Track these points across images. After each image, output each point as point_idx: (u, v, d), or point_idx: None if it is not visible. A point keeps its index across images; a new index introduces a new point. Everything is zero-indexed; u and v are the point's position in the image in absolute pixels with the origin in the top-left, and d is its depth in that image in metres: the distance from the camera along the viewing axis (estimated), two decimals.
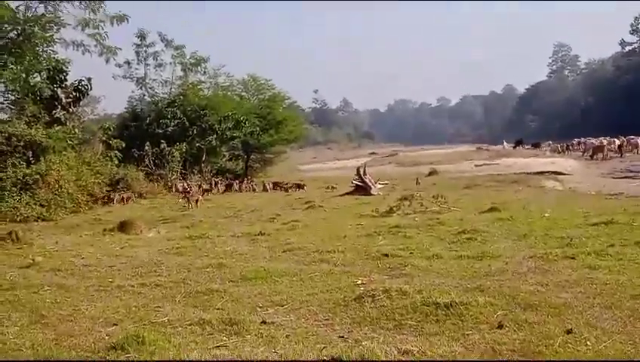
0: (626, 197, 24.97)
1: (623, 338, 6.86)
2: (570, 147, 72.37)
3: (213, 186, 40.48)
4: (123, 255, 14.08)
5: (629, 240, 12.52)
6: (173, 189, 37.64)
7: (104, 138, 38.43)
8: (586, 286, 8.95)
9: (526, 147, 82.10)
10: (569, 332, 7.02)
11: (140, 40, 50.19)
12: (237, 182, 42.75)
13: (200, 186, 38.54)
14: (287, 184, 40.23)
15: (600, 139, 71.53)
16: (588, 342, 6.73)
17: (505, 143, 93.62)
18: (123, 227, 18.88)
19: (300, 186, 39.29)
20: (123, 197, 32.20)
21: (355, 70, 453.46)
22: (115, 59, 34.32)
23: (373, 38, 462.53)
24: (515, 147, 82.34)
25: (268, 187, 40.04)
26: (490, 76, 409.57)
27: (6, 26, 27.03)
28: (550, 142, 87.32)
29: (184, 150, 44.97)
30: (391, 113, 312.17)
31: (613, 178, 38.31)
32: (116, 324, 8.21)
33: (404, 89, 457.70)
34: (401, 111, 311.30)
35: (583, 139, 75.71)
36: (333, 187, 37.66)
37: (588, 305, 8.03)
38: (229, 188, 39.97)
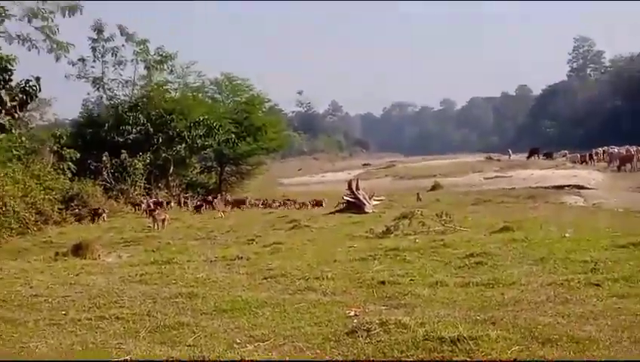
0: None
1: None
2: (595, 157, 72.32)
3: (182, 204, 40.36)
4: (78, 283, 14.03)
5: None
6: (142, 206, 37.31)
7: (55, 147, 38.40)
8: (613, 318, 8.95)
9: (539, 157, 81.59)
10: None
11: (97, 34, 50.16)
12: (211, 198, 42.17)
13: (168, 203, 38.51)
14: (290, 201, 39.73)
15: (627, 147, 71.71)
16: None
17: (510, 153, 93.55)
18: (78, 251, 18.81)
19: (318, 203, 38.82)
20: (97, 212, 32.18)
21: (346, 68, 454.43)
22: (66, 56, 34.31)
23: (366, 30, 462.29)
24: (529, 157, 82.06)
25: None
26: (503, 76, 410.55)
27: None
28: (566, 152, 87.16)
29: (148, 161, 44.92)
30: (387, 118, 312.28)
31: None
32: None
33: (402, 90, 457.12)
34: (398, 115, 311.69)
35: (608, 148, 75.77)
36: (319, 203, 37.55)
37: (615, 340, 8.02)
38: (198, 209, 38.38)
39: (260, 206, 39.90)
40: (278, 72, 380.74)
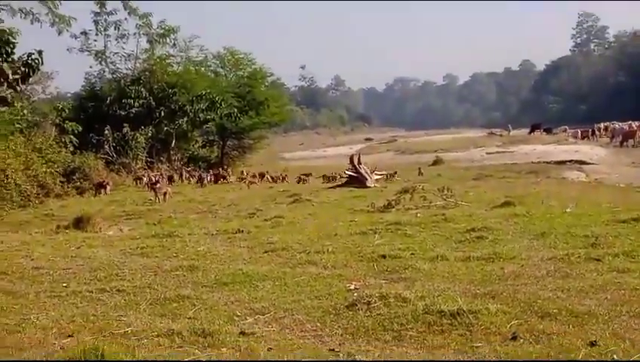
0: None
1: None
2: (597, 133, 72.26)
3: (184, 177, 40.22)
4: (79, 256, 14.03)
5: None
6: (143, 180, 37.22)
7: (57, 121, 38.24)
8: (612, 293, 8.99)
9: (539, 132, 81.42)
10: (593, 344, 7.04)
11: (99, 7, 49.74)
12: (210, 173, 41.93)
13: (171, 178, 38.42)
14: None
15: (630, 123, 71.68)
16: (614, 356, 6.75)
17: (510, 128, 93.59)
18: (79, 224, 18.81)
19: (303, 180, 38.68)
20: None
21: (349, 43, 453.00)
22: (69, 30, 34.21)
23: (371, 5, 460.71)
24: (531, 132, 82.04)
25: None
26: (506, 51, 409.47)
27: None
28: (566, 127, 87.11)
29: (150, 135, 44.87)
30: (390, 93, 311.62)
31: None
32: (72, 336, 8.18)
33: (406, 65, 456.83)
34: (401, 90, 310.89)
35: (610, 124, 75.70)
36: (332, 177, 37.25)
37: (615, 314, 8.05)
38: (200, 181, 38.57)
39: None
40: (281, 46, 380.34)
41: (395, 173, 37.02)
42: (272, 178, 38.68)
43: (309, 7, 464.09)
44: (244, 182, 37.42)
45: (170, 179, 37.70)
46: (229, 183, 38.49)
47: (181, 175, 40.97)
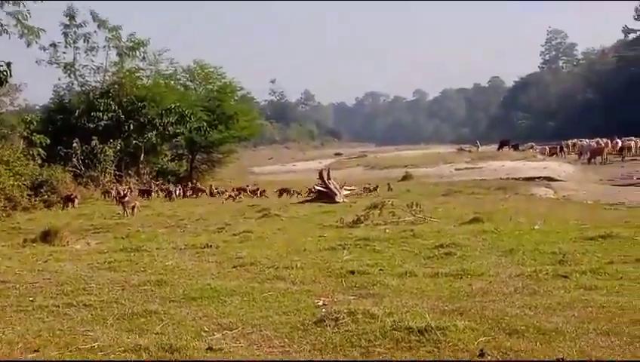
0: (628, 207, 25.33)
1: None
2: (565, 149, 72.83)
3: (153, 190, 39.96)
4: (46, 270, 13.92)
5: (630, 256, 12.69)
6: (112, 193, 36.98)
7: (25, 133, 38.11)
8: (580, 310, 9.03)
9: (508, 149, 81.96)
10: (560, 361, 7.08)
11: (69, 20, 49.62)
12: (179, 187, 41.76)
13: (149, 192, 38.20)
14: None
15: (597, 140, 72.36)
16: None
17: (479, 144, 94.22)
18: (47, 237, 18.68)
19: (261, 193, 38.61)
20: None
21: (319, 57, 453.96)
22: (38, 42, 34.07)
23: (340, 20, 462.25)
24: (499, 148, 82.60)
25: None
26: (475, 67, 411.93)
27: None
28: (533, 144, 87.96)
29: (119, 148, 44.68)
30: (360, 108, 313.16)
31: (614, 185, 38.83)
32: (37, 351, 8.12)
33: (376, 81, 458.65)
34: (371, 106, 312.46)
35: (578, 141, 76.33)
36: (297, 192, 37.19)
37: (582, 331, 8.08)
38: (169, 195, 38.13)
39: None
40: (251, 61, 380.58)
41: (377, 187, 37.01)
42: (252, 192, 38.41)
43: (281, 21, 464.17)
44: (225, 195, 37.27)
45: (148, 193, 37.48)
46: (207, 197, 38.34)
47: (150, 189, 40.69)
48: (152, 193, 37.77)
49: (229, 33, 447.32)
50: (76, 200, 32.44)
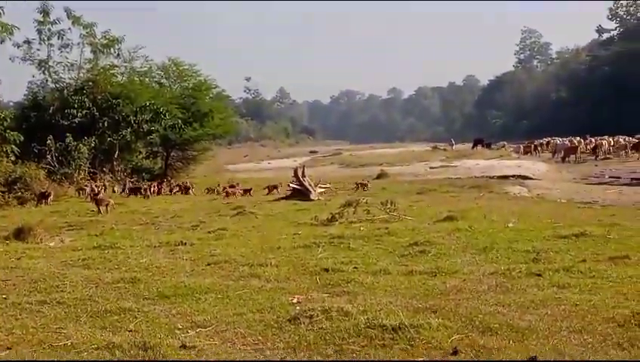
0: (601, 206, 25.43)
1: None
2: (539, 148, 73.16)
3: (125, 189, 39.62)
4: (19, 267, 13.86)
5: (602, 255, 12.77)
6: (86, 190, 36.73)
7: None
8: (553, 308, 9.07)
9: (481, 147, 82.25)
10: (533, 359, 7.10)
11: (43, 16, 49.27)
12: (154, 184, 41.51)
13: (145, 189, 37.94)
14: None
15: (571, 138, 72.76)
16: None
17: (453, 142, 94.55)
18: (20, 234, 18.53)
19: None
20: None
21: (295, 55, 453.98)
22: (11, 39, 33.84)
23: (317, 17, 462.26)
24: (473, 147, 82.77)
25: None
26: (449, 66, 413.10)
27: None
28: (504, 143, 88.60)
29: (93, 145, 44.45)
30: (335, 106, 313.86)
31: (587, 184, 39.01)
32: (10, 348, 8.11)
33: (351, 78, 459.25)
34: (346, 104, 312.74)
35: (552, 139, 76.66)
36: (274, 187, 36.97)
37: (555, 329, 8.13)
38: (134, 192, 37.67)
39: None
40: (226, 58, 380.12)
41: (368, 183, 37.12)
42: (244, 190, 38.05)
43: (256, 18, 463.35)
44: (217, 193, 37.16)
45: (137, 191, 37.32)
46: (182, 195, 38.20)
47: (124, 186, 40.42)
48: (142, 190, 37.46)
49: (204, 30, 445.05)
50: (50, 197, 32.25)
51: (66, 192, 37.38)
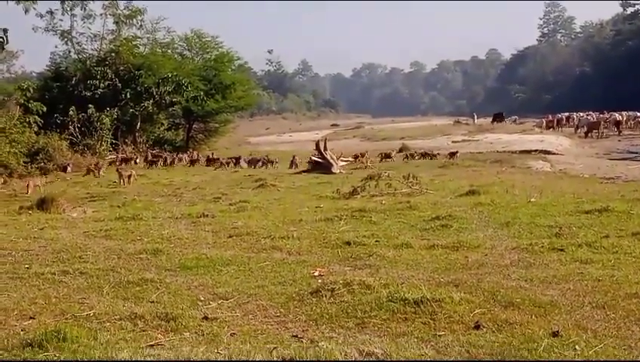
0: (624, 181, 25.27)
1: (616, 342, 6.91)
2: (561, 123, 72.78)
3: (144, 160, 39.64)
4: (42, 237, 13.94)
5: (625, 230, 12.69)
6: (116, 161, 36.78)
7: (22, 100, 37.86)
8: (575, 283, 9.04)
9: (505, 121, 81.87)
10: (555, 334, 7.07)
11: None
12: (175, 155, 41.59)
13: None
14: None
15: (590, 113, 72.48)
16: (576, 347, 6.78)
17: (475, 116, 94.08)
18: (43, 205, 18.64)
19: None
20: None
21: (318, 29, 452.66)
22: (35, 9, 33.79)
23: None
24: (493, 121, 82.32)
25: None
26: (472, 39, 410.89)
27: None
28: (516, 117, 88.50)
29: (115, 116, 44.55)
30: (357, 79, 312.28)
31: (610, 159, 38.80)
32: (33, 318, 8.14)
33: (373, 52, 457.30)
34: (368, 77, 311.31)
35: (574, 114, 76.25)
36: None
37: (577, 304, 8.11)
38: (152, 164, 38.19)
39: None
40: (249, 30, 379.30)
41: (392, 153, 37.49)
42: (269, 161, 37.88)
43: None
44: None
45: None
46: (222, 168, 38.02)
47: (146, 157, 40.49)
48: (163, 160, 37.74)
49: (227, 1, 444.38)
50: (68, 168, 32.39)
51: (89, 163, 37.45)
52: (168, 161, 39.07)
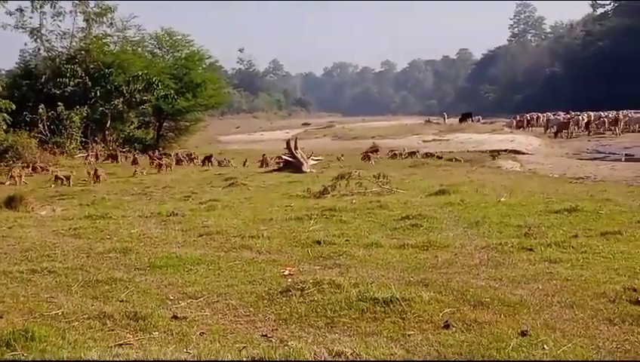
0: (593, 181, 25.47)
1: (584, 341, 6.96)
2: (531, 123, 73.22)
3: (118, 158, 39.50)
4: (10, 236, 13.84)
5: (594, 230, 12.76)
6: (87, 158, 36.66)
7: None
8: (544, 282, 9.08)
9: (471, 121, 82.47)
10: (524, 334, 7.11)
11: None
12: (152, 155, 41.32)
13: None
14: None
15: (558, 113, 72.96)
16: (545, 346, 6.82)
17: (445, 116, 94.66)
18: (11, 203, 18.46)
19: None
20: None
21: (289, 26, 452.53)
22: (4, 7, 33.60)
23: None
24: (461, 121, 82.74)
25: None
26: (444, 39, 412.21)
27: None
28: (479, 117, 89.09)
29: (85, 114, 44.33)
30: (328, 78, 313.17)
31: (579, 159, 39.11)
32: (1, 317, 8.09)
33: (344, 51, 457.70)
34: (339, 76, 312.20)
35: (543, 114, 76.74)
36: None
37: (546, 304, 8.14)
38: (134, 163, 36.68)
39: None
40: (220, 29, 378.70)
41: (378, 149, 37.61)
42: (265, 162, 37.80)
43: None
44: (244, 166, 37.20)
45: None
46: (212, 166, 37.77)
47: (116, 156, 40.27)
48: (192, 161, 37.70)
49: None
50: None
51: (57, 161, 37.24)
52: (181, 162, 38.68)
